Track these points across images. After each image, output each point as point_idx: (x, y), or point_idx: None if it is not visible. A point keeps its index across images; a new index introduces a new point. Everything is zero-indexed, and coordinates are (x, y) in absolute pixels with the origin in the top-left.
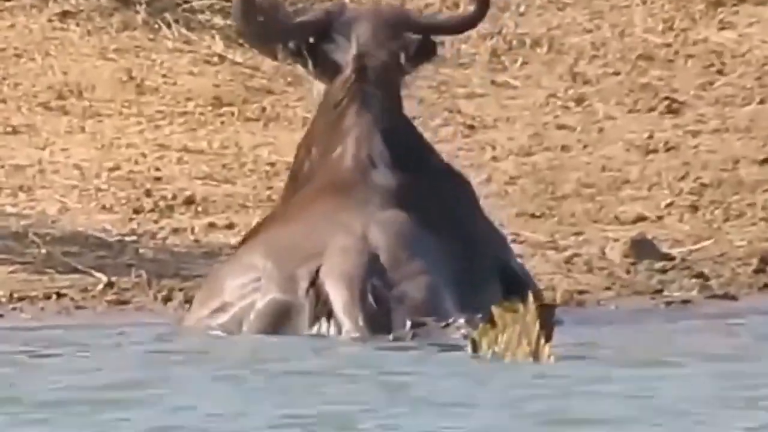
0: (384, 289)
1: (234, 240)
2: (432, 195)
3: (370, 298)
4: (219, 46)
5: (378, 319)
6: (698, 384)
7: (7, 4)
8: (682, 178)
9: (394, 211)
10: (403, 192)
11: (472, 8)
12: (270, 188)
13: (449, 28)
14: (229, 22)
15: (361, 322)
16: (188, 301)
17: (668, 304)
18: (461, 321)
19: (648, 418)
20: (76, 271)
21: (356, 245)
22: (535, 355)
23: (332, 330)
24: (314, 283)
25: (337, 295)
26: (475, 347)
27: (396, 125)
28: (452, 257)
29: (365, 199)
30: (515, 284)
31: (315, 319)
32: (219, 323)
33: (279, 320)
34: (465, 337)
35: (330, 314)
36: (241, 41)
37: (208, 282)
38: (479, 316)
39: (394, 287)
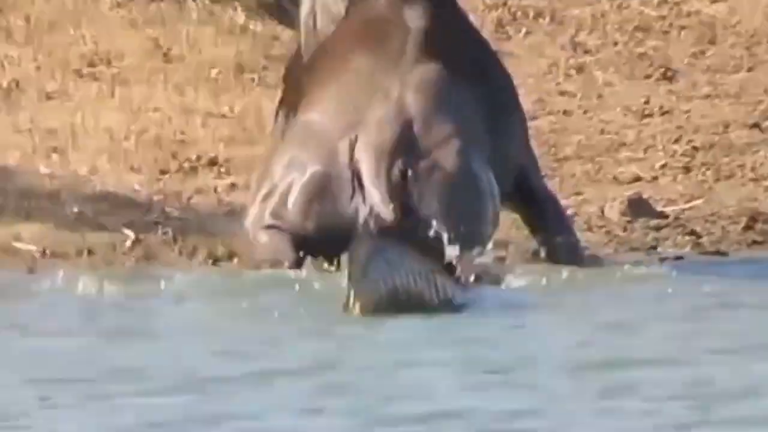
0: (414, 161)
1: None
2: (470, 53)
3: (397, 174)
4: (241, 17)
5: (404, 195)
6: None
7: None
8: (676, 140)
9: (430, 65)
10: (440, 37)
11: None
12: None
13: None
14: None
15: (387, 199)
16: (211, 256)
17: (662, 260)
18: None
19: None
20: (105, 228)
21: (391, 115)
22: None
23: (365, 207)
24: (352, 156)
25: (367, 170)
26: None
27: None
28: (483, 118)
29: (400, 50)
30: (530, 202)
31: (353, 192)
32: (270, 208)
33: (321, 193)
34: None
35: (371, 209)
36: (261, 13)
37: (258, 174)
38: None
39: (425, 158)
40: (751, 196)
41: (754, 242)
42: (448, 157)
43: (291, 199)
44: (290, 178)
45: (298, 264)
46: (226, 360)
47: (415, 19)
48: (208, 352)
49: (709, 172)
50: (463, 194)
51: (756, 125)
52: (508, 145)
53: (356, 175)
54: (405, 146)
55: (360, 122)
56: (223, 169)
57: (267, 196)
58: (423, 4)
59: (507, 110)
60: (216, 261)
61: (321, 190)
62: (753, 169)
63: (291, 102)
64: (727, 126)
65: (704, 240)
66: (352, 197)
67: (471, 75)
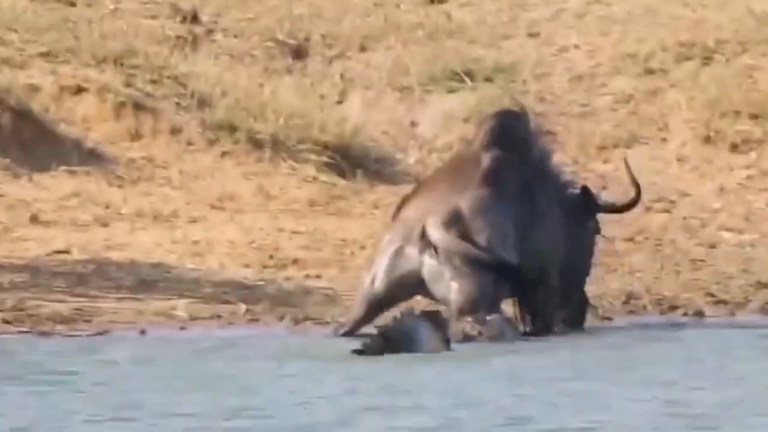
0: (460, 230)
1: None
2: (526, 185)
3: (452, 235)
4: (312, 170)
5: (455, 241)
6: None
7: None
8: None
9: (482, 190)
10: (497, 173)
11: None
12: None
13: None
14: None
15: (447, 244)
16: (294, 320)
17: None
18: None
19: None
20: (228, 302)
21: (448, 209)
22: None
23: (434, 257)
24: (423, 232)
25: (434, 234)
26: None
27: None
28: (516, 227)
29: (469, 178)
30: (537, 287)
31: (422, 251)
32: (369, 281)
33: (399, 261)
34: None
35: (435, 248)
36: (324, 168)
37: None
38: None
39: (467, 234)
40: (627, 283)
41: (630, 312)
42: (480, 238)
43: (380, 269)
44: (384, 254)
45: (366, 321)
46: None
47: (485, 159)
48: None
49: (601, 268)
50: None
51: (631, 239)
52: (536, 239)
53: (426, 241)
54: (454, 224)
55: (429, 214)
56: (301, 266)
57: (370, 266)
58: (495, 153)
59: (538, 218)
60: (297, 323)
61: (400, 258)
62: (629, 266)
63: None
64: (613, 239)
65: (598, 310)
66: (420, 262)
67: (513, 198)
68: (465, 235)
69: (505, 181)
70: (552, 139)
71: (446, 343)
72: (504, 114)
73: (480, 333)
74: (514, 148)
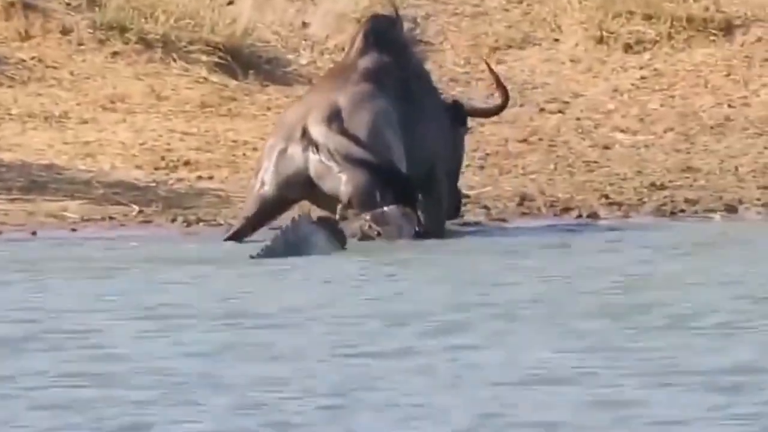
0: (340, 125)
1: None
2: (404, 86)
3: (333, 129)
4: (204, 71)
5: (337, 137)
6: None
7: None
8: (474, 150)
9: (364, 84)
10: (378, 74)
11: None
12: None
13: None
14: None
15: (329, 141)
16: (186, 222)
17: (465, 224)
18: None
19: None
20: (120, 204)
21: (327, 105)
22: None
23: (317, 153)
24: (305, 130)
25: (315, 131)
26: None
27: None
28: (400, 123)
29: (347, 77)
30: (427, 185)
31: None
32: (258, 186)
33: (284, 161)
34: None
35: (317, 145)
36: (216, 69)
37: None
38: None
39: (348, 129)
40: (521, 184)
41: (524, 214)
42: (362, 127)
43: (265, 166)
44: (268, 158)
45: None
46: None
47: (362, 62)
48: None
49: (495, 169)
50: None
51: (525, 140)
52: (421, 137)
53: (308, 138)
54: (335, 119)
55: (310, 111)
56: (192, 167)
57: (257, 171)
58: (373, 57)
59: (419, 121)
60: (189, 225)
61: (282, 156)
62: (523, 167)
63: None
64: (506, 140)
65: (492, 212)
66: (305, 159)
67: (394, 96)
68: (345, 131)
69: (384, 79)
70: (428, 46)
71: (341, 244)
72: (378, 19)
73: (378, 234)
74: (389, 52)
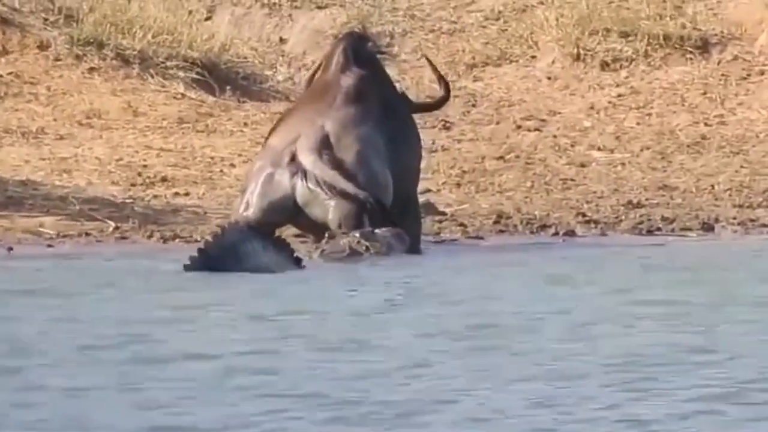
0: (330, 153)
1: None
2: (386, 103)
3: (323, 159)
4: (181, 88)
5: (326, 168)
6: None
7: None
8: (452, 167)
9: (348, 109)
10: (362, 94)
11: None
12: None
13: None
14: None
15: (317, 170)
16: (162, 238)
17: (441, 242)
18: (358, 234)
19: None
20: (96, 219)
21: (316, 132)
22: None
23: (304, 183)
24: (294, 156)
25: (305, 159)
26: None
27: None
28: (384, 142)
29: (332, 98)
30: (405, 203)
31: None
32: (243, 208)
33: (271, 186)
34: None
35: (305, 173)
36: (194, 85)
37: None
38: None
39: (337, 155)
40: (498, 202)
41: (500, 231)
42: (350, 157)
43: (249, 191)
44: (254, 181)
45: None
46: None
47: (347, 81)
48: None
49: (472, 186)
50: (363, 183)
51: (501, 158)
52: (402, 157)
53: (297, 164)
54: (324, 147)
55: (298, 138)
56: (169, 183)
57: (243, 193)
58: (354, 74)
59: (401, 139)
60: (165, 241)
61: (270, 182)
62: (500, 185)
63: (267, 135)
64: (483, 158)
65: (468, 229)
66: (292, 186)
67: (378, 116)
68: (334, 160)
69: (368, 98)
70: (405, 63)
71: (294, 264)
72: (353, 36)
73: (367, 249)
74: (368, 67)
